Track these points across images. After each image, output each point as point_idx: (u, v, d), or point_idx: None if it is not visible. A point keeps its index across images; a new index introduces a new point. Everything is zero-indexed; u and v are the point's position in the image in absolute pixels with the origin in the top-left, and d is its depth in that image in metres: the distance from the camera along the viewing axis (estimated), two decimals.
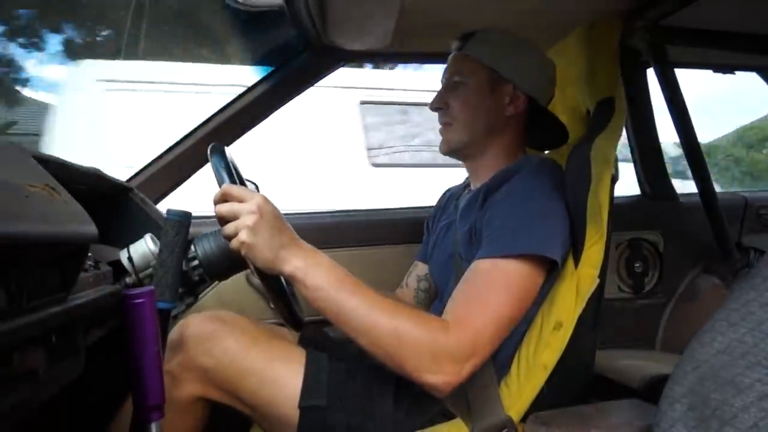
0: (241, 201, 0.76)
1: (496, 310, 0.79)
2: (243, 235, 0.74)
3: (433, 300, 1.20)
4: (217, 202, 0.78)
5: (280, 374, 0.86)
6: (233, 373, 0.84)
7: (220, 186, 0.83)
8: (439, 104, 1.05)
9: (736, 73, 1.67)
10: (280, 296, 0.86)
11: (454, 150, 1.05)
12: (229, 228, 0.76)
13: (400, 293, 1.24)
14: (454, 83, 1.04)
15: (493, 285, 0.81)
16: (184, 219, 0.79)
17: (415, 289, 1.21)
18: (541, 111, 1.06)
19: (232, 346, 0.85)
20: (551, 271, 0.89)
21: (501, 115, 1.02)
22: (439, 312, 1.03)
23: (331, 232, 1.49)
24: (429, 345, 0.74)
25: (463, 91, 1.02)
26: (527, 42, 1.05)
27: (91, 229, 0.58)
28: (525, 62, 1.03)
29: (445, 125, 1.05)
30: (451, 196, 1.19)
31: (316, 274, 0.76)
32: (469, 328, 0.77)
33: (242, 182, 0.94)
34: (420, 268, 1.22)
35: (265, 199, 0.77)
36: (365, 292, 0.77)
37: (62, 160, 0.77)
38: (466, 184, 1.15)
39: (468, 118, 1.02)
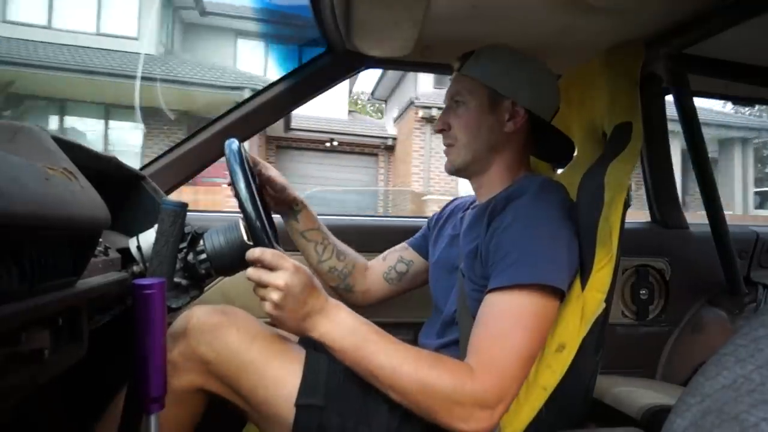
0: (271, 269, 0.79)
1: (518, 349, 0.79)
2: (268, 307, 0.79)
3: (404, 285, 1.23)
4: (249, 262, 0.81)
5: (279, 372, 0.86)
6: (233, 367, 0.85)
7: (233, 181, 0.84)
8: (442, 126, 1.06)
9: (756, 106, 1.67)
10: None
11: (458, 170, 1.07)
12: (259, 293, 0.81)
13: (373, 263, 1.25)
14: (455, 103, 1.05)
15: (509, 321, 0.81)
16: (179, 209, 0.79)
17: (390, 267, 1.22)
18: (545, 124, 1.05)
19: (234, 341, 0.86)
20: (561, 298, 0.88)
21: (501, 132, 1.02)
22: (434, 325, 1.03)
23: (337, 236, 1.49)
24: (457, 395, 0.76)
25: (464, 112, 1.03)
26: (525, 56, 1.05)
27: (105, 215, 0.58)
28: (523, 77, 1.03)
29: (448, 147, 1.06)
30: (457, 207, 1.19)
31: (341, 338, 0.80)
32: (495, 373, 0.77)
33: (254, 179, 0.94)
34: (407, 253, 1.23)
35: (294, 271, 0.79)
36: (388, 350, 0.79)
37: (81, 144, 0.78)
38: (473, 199, 1.15)
39: (469, 139, 1.03)
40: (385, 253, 1.26)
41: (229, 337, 0.86)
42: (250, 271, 0.80)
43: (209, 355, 0.85)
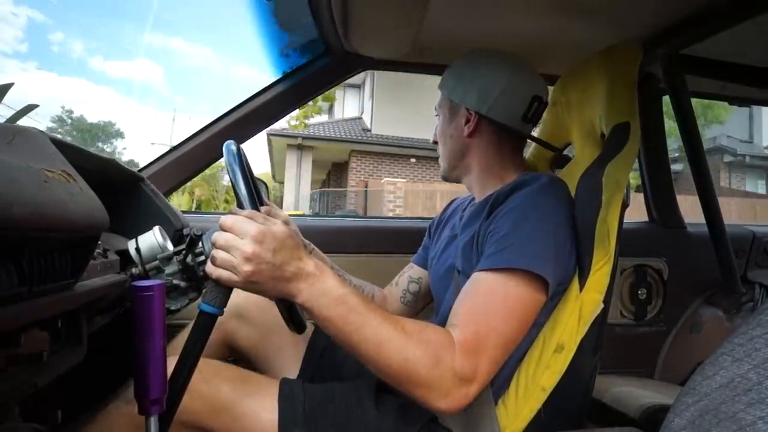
0: (240, 235, 0.71)
1: (501, 332, 0.79)
2: (235, 278, 0.71)
3: (421, 303, 1.24)
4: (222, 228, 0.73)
5: (254, 410, 0.85)
6: (205, 414, 0.83)
7: (233, 181, 0.84)
8: (434, 139, 1.14)
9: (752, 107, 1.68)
10: (282, 300, 0.86)
11: (445, 177, 1.14)
12: (219, 262, 0.71)
13: (388, 291, 1.26)
14: (437, 118, 1.13)
15: (496, 303, 0.81)
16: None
17: (404, 290, 1.23)
18: (503, 125, 1.04)
19: (203, 387, 0.83)
20: (554, 292, 0.88)
21: (462, 137, 1.06)
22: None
23: (333, 237, 1.49)
24: (439, 372, 0.74)
25: (438, 124, 1.12)
26: (486, 58, 1.06)
27: (104, 218, 0.58)
28: (472, 81, 1.05)
29: (439, 158, 1.14)
30: (457, 207, 1.20)
31: (325, 308, 0.74)
32: (477, 352, 0.76)
33: (254, 181, 0.94)
34: (414, 271, 1.24)
35: (260, 236, 0.71)
36: (374, 324, 0.74)
37: (79, 146, 0.78)
38: (472, 197, 1.16)
39: (443, 149, 1.11)
40: (396, 277, 1.27)
41: (197, 385, 0.79)
42: (216, 236, 0.72)
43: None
